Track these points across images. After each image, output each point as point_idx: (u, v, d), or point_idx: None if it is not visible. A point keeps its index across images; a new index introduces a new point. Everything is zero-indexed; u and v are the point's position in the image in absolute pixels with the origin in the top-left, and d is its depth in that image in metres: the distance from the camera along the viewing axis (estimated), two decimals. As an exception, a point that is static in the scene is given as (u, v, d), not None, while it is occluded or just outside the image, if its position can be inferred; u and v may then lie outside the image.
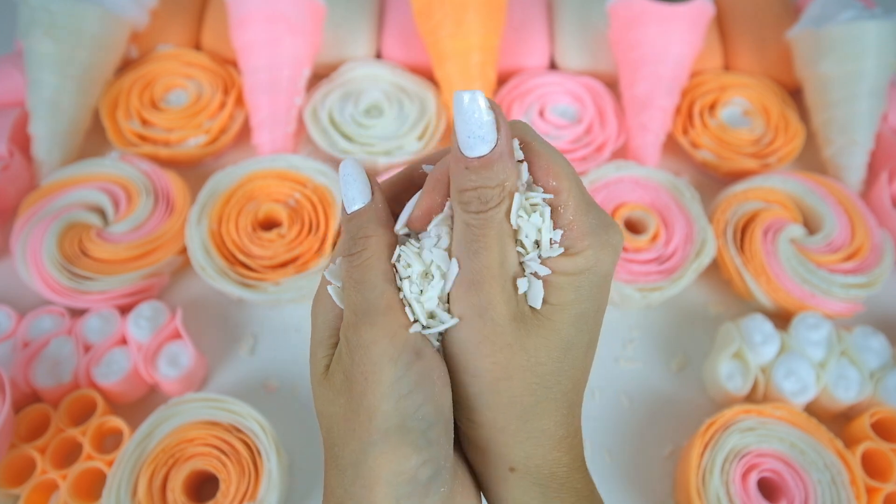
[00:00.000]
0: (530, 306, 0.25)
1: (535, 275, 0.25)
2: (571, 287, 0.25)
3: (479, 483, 0.28)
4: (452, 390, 0.26)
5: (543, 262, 0.25)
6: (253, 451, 0.42)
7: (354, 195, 0.27)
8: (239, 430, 0.43)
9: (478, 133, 0.24)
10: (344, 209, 0.27)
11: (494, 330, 0.25)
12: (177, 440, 0.42)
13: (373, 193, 0.27)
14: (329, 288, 0.27)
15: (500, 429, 0.26)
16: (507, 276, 0.25)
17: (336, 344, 0.27)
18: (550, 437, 0.26)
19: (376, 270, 0.26)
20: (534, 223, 0.25)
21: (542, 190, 0.25)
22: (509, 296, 0.25)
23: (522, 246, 0.25)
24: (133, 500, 0.41)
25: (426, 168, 0.29)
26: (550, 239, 0.25)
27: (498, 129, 0.24)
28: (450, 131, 0.60)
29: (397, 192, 0.29)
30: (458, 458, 0.27)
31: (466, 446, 0.28)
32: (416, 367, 0.25)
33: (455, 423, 0.27)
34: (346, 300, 0.26)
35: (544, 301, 0.25)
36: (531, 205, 0.25)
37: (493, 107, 0.24)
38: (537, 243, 0.25)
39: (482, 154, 0.24)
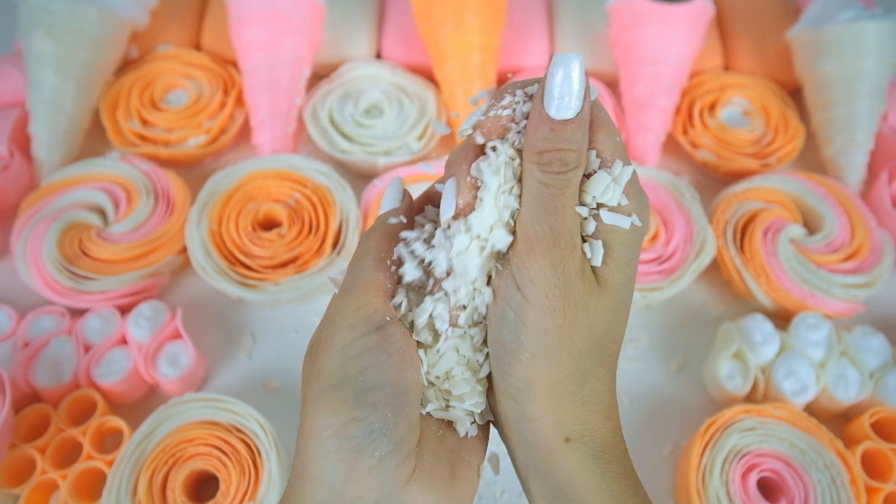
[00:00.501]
0: (591, 266, 0.27)
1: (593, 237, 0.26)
2: (624, 247, 0.27)
3: (524, 467, 0.28)
4: (517, 357, 0.27)
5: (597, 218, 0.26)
6: (253, 451, 0.42)
7: (388, 202, 0.30)
8: (239, 430, 0.43)
9: (569, 97, 0.25)
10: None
11: (567, 285, 0.26)
12: (177, 440, 0.42)
13: (402, 200, 0.30)
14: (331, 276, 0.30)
15: (559, 391, 0.27)
16: (578, 235, 0.26)
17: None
18: (601, 403, 0.27)
19: (370, 257, 0.28)
20: (599, 183, 0.26)
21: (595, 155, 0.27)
22: (579, 254, 0.26)
23: (584, 206, 0.27)
24: (133, 500, 0.41)
25: (438, 188, 0.30)
26: (620, 202, 0.26)
27: (586, 95, 0.25)
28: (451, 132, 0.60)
29: (419, 207, 0.31)
30: (442, 452, 0.27)
31: (517, 424, 0.28)
32: (371, 337, 0.26)
33: (505, 410, 0.28)
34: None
35: (603, 262, 0.27)
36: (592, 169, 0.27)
37: (584, 72, 0.25)
38: (597, 205, 0.27)
39: (569, 118, 0.25)
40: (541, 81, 0.25)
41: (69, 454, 0.44)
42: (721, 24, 0.67)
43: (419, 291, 0.29)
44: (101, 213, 0.52)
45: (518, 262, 0.26)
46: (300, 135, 0.61)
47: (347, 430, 0.26)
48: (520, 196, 0.27)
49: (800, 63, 0.60)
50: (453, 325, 0.28)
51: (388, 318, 0.27)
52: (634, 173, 0.27)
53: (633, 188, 0.27)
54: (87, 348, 0.46)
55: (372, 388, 0.26)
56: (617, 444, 0.28)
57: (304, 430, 0.26)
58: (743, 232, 0.54)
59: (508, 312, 0.26)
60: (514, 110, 0.27)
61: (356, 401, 0.26)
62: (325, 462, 0.26)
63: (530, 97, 0.27)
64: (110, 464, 0.42)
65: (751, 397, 0.48)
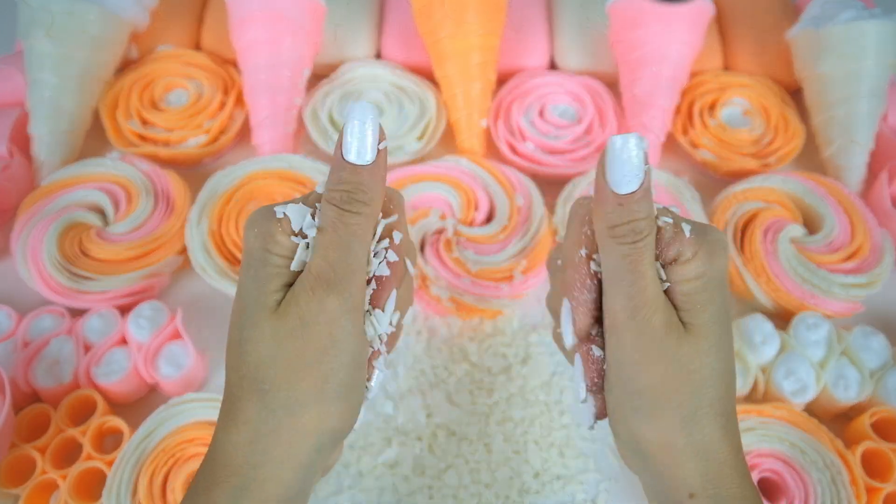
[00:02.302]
0: (680, 318, 0.28)
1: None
2: (699, 290, 0.28)
3: None
4: (623, 423, 0.29)
5: (667, 273, 0.29)
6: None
7: (363, 147, 0.28)
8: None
9: (631, 173, 0.27)
10: (343, 151, 0.28)
11: (654, 344, 0.27)
12: (177, 440, 0.42)
13: (378, 153, 0.28)
14: (293, 208, 0.29)
15: (669, 446, 0.28)
16: (660, 293, 0.28)
17: (289, 285, 0.29)
18: (718, 452, 0.28)
19: (361, 241, 0.28)
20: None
21: None
22: (663, 313, 0.28)
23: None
24: (133, 501, 0.41)
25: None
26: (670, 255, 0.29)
27: (645, 169, 0.27)
28: (450, 132, 0.60)
29: None
30: None
31: (644, 478, 0.29)
32: (369, 348, 0.30)
33: (633, 466, 0.30)
34: (322, 250, 0.28)
35: (683, 309, 0.28)
36: None
37: (643, 146, 0.28)
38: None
39: (633, 190, 0.27)
40: (600, 160, 0.28)
41: (69, 454, 0.44)
42: (721, 24, 0.67)
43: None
44: (101, 213, 0.52)
45: (607, 334, 0.29)
46: (300, 135, 0.61)
47: (347, 431, 0.29)
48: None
49: (800, 63, 0.60)
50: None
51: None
52: (693, 220, 0.29)
53: (697, 227, 0.29)
54: (87, 348, 0.46)
55: (364, 397, 0.30)
56: (746, 495, 0.28)
57: (297, 424, 0.27)
58: (743, 232, 0.54)
59: (609, 377, 0.29)
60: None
61: (355, 411, 0.29)
62: (301, 469, 0.28)
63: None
64: (110, 464, 0.42)
65: (750, 397, 0.48)
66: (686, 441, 0.27)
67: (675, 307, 0.29)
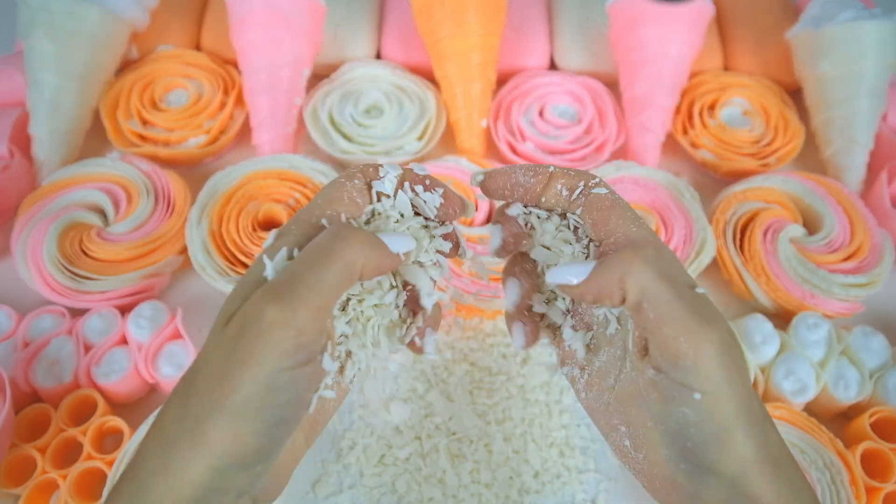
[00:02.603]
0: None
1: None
2: (724, 399, 0.27)
3: None
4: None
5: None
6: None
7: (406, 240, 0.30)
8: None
9: (567, 276, 0.30)
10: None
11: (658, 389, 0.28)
12: (177, 440, 0.42)
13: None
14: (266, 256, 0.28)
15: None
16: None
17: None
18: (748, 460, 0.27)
19: (339, 263, 0.27)
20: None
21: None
22: None
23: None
24: (133, 500, 0.41)
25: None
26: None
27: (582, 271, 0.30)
28: (450, 132, 0.60)
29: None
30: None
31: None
32: (302, 371, 0.26)
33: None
34: (293, 263, 0.27)
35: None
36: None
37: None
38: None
39: (581, 280, 0.29)
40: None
41: (69, 454, 0.44)
42: (721, 24, 0.67)
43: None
44: (102, 213, 0.52)
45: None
46: (300, 135, 0.61)
47: (248, 459, 0.26)
48: None
49: (799, 63, 0.60)
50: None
51: (322, 351, 0.27)
52: (690, 310, 0.28)
53: (693, 323, 0.27)
54: (88, 348, 0.46)
55: (281, 423, 0.26)
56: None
57: (199, 440, 0.25)
58: (743, 232, 0.54)
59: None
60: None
61: (265, 434, 0.26)
62: (197, 487, 0.25)
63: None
64: (110, 464, 0.42)
65: (751, 397, 0.48)
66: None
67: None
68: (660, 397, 0.28)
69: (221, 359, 0.26)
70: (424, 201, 0.32)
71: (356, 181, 0.31)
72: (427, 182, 0.32)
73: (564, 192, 0.31)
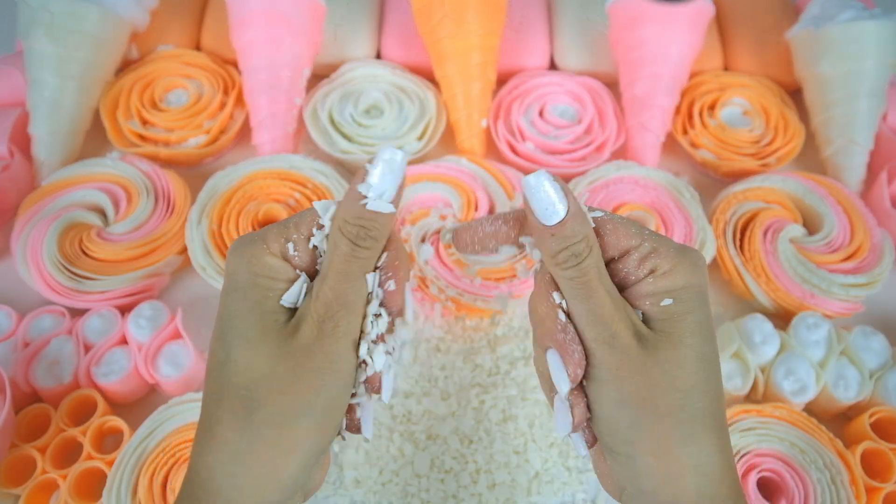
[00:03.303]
0: (649, 327, 0.29)
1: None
2: (677, 303, 0.29)
3: None
4: (614, 431, 0.29)
5: (644, 287, 0.30)
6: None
7: (387, 188, 0.30)
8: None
9: (550, 204, 0.29)
10: (366, 192, 0.30)
11: (627, 355, 0.28)
12: (177, 440, 0.42)
13: (396, 201, 0.30)
14: (324, 204, 0.31)
15: (662, 456, 0.28)
16: (619, 306, 0.29)
17: (282, 308, 0.30)
18: (713, 468, 0.28)
19: (362, 272, 0.30)
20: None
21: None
22: (627, 323, 0.29)
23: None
24: (133, 500, 0.41)
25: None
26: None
27: (566, 195, 0.29)
28: (450, 132, 0.60)
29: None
30: None
31: (638, 501, 0.29)
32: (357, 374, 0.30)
33: (626, 486, 0.30)
34: (333, 280, 0.29)
35: (659, 319, 0.29)
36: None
37: (556, 178, 0.29)
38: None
39: (561, 219, 0.28)
40: (525, 201, 0.30)
41: (69, 454, 0.44)
42: (721, 24, 0.67)
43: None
44: (102, 213, 0.52)
45: (585, 345, 0.29)
46: (300, 135, 0.61)
47: (324, 449, 0.30)
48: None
49: (799, 63, 0.60)
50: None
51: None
52: (673, 241, 0.30)
53: (677, 245, 0.30)
54: (88, 348, 0.46)
55: (342, 417, 0.31)
56: None
57: (285, 439, 0.27)
58: (743, 232, 0.54)
59: (595, 398, 0.29)
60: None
61: (336, 429, 0.30)
62: (283, 489, 0.28)
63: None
64: (110, 464, 0.42)
65: (750, 397, 0.49)
66: (678, 453, 0.27)
67: (652, 320, 0.29)
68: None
69: (291, 370, 0.28)
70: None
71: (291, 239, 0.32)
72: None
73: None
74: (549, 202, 0.29)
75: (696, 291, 0.29)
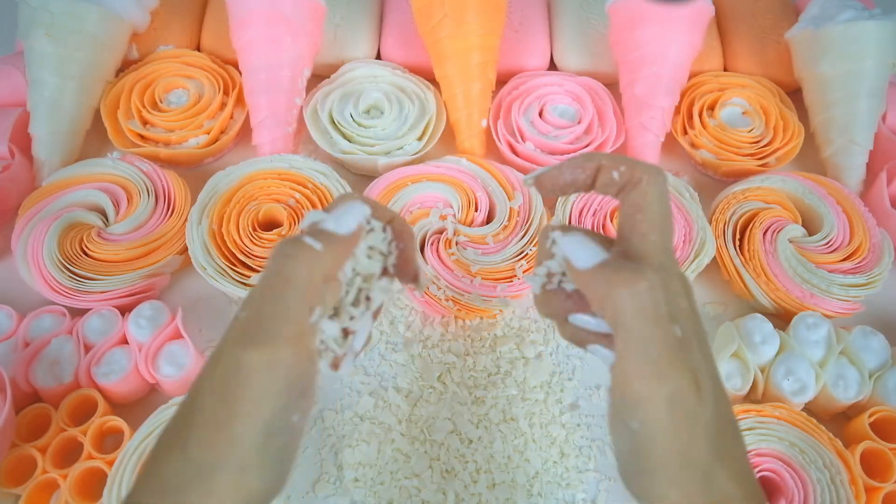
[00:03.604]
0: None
1: None
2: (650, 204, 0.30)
3: None
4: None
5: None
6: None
7: (341, 222, 0.30)
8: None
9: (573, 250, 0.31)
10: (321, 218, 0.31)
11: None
12: (177, 440, 0.42)
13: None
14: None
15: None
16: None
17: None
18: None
19: (297, 286, 0.28)
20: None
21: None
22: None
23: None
24: (134, 500, 0.41)
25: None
26: None
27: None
28: (450, 132, 0.60)
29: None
30: None
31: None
32: (297, 405, 0.28)
33: None
34: (251, 301, 0.28)
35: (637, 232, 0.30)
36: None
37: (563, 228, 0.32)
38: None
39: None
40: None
41: (70, 454, 0.44)
42: (721, 25, 0.67)
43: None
44: (102, 213, 0.53)
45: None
46: (300, 135, 0.61)
47: (253, 500, 0.27)
48: None
49: (799, 63, 0.60)
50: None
51: (312, 378, 0.27)
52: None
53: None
54: (88, 348, 0.46)
55: (288, 454, 0.27)
56: None
57: (211, 488, 0.25)
58: (742, 232, 0.54)
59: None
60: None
61: (270, 474, 0.26)
62: None
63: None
64: (111, 463, 0.42)
65: (750, 397, 0.49)
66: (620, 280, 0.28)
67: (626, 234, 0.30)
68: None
69: (213, 409, 0.26)
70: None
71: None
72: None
73: (616, 177, 0.31)
74: (587, 251, 0.30)
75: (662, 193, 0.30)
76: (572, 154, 0.57)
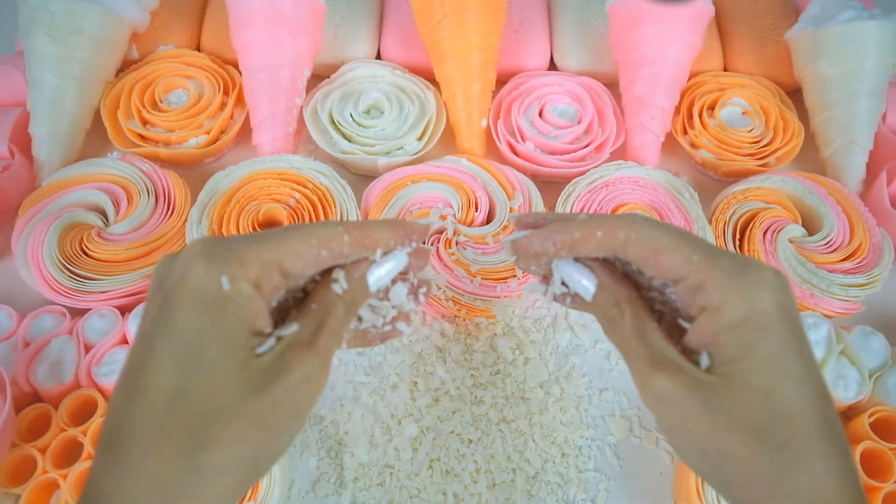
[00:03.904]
0: (705, 370, 0.27)
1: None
2: (732, 342, 0.26)
3: None
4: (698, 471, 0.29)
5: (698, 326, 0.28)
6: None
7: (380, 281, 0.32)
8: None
9: (580, 284, 0.32)
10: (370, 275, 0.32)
11: (684, 408, 0.26)
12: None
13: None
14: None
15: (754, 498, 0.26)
16: (664, 358, 0.27)
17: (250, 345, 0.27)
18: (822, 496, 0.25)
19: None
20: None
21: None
22: (678, 370, 0.27)
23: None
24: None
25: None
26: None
27: (591, 272, 0.32)
28: (450, 132, 0.60)
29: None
30: None
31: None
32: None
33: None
34: (328, 334, 0.29)
35: (718, 363, 0.26)
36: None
37: (575, 263, 0.32)
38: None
39: (592, 294, 0.31)
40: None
41: (70, 454, 0.44)
42: (721, 24, 0.67)
43: None
44: (102, 213, 0.53)
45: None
46: (300, 135, 0.61)
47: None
48: None
49: (799, 63, 0.61)
50: None
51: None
52: (729, 256, 0.28)
53: (731, 268, 0.27)
54: (88, 348, 0.46)
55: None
56: None
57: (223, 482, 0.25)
58: (742, 232, 0.54)
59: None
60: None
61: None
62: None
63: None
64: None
65: (750, 397, 0.49)
66: (777, 484, 0.25)
67: (715, 364, 0.26)
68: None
69: (261, 412, 0.26)
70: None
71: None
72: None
73: (598, 248, 0.30)
74: (578, 284, 0.31)
75: (762, 323, 0.25)
76: (567, 164, 0.57)
